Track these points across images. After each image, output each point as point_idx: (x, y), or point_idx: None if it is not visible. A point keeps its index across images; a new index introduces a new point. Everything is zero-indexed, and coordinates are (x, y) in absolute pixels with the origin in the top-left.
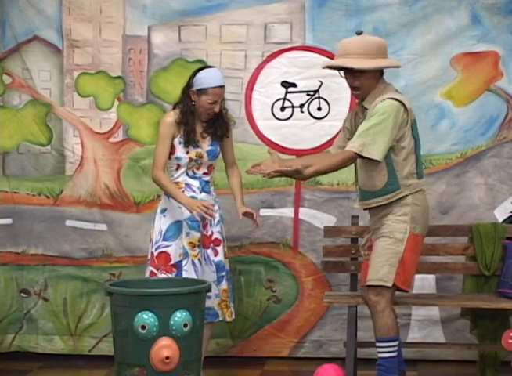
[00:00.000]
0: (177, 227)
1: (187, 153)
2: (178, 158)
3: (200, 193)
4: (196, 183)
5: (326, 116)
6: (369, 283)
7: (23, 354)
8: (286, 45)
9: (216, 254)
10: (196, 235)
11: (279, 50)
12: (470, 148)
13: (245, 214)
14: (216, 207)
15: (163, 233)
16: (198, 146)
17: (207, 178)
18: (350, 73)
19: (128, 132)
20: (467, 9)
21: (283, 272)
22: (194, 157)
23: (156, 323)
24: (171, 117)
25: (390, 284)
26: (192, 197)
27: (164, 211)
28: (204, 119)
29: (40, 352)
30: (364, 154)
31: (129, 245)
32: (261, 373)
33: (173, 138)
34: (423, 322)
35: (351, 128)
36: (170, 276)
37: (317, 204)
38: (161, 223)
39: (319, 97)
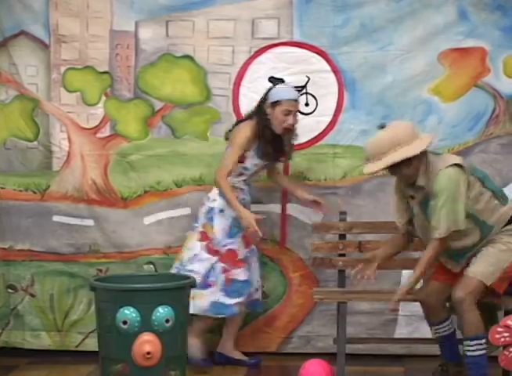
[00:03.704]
0: (238, 224)
1: (255, 165)
2: (245, 168)
3: (248, 196)
4: (247, 188)
5: (313, 111)
6: (470, 274)
7: (9, 350)
8: (273, 40)
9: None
10: None
11: (266, 45)
12: (457, 144)
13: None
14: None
15: (226, 231)
16: (263, 160)
17: (252, 183)
18: (396, 167)
19: (116, 128)
20: (455, 4)
21: (271, 268)
22: (258, 169)
23: (138, 319)
24: (249, 131)
25: (488, 283)
26: (243, 199)
27: (222, 211)
28: (279, 132)
29: (27, 348)
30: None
31: (116, 241)
32: (248, 368)
33: (247, 150)
34: (410, 317)
35: (403, 205)
36: (241, 270)
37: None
38: (223, 222)
39: (307, 93)
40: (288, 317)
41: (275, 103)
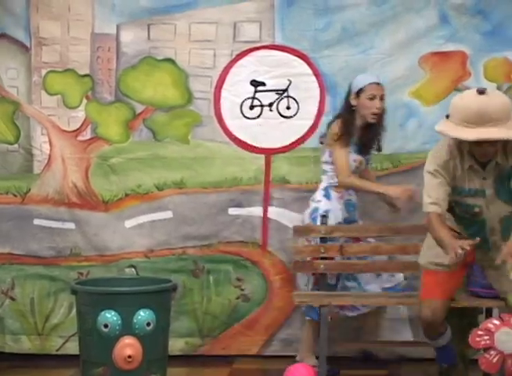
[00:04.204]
0: None
1: (355, 160)
2: None
3: (355, 195)
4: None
5: (295, 115)
6: None
7: None
8: (255, 43)
9: None
10: None
11: (248, 49)
12: None
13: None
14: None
15: None
16: (360, 154)
17: None
18: (492, 142)
19: (97, 131)
20: (436, 8)
21: (252, 271)
22: (359, 165)
23: (119, 322)
24: (337, 129)
25: None
26: (349, 200)
27: (328, 211)
28: (370, 119)
29: (7, 352)
30: None
31: (97, 244)
32: (229, 371)
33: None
34: (393, 321)
35: (452, 180)
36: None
37: (286, 202)
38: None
39: (288, 96)
40: (269, 320)
41: (359, 92)
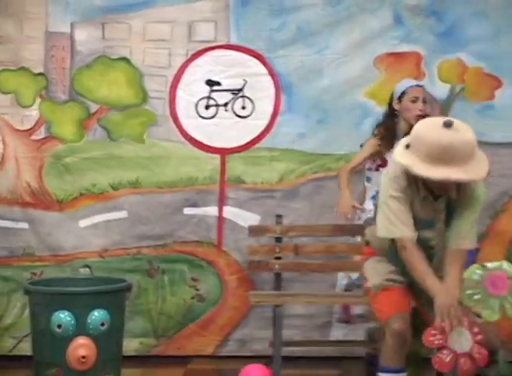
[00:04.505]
0: None
1: None
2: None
3: None
4: None
5: (250, 115)
6: None
7: None
8: (210, 43)
9: None
10: None
11: (203, 48)
12: None
13: None
14: None
15: None
16: None
17: None
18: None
19: (50, 130)
20: (390, 9)
21: (207, 271)
22: None
23: (73, 322)
24: (374, 138)
25: None
26: None
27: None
28: (414, 122)
29: None
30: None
31: (51, 244)
32: (184, 372)
33: (379, 153)
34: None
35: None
36: None
37: (241, 202)
38: None
39: (244, 96)
40: (224, 320)
41: (401, 96)
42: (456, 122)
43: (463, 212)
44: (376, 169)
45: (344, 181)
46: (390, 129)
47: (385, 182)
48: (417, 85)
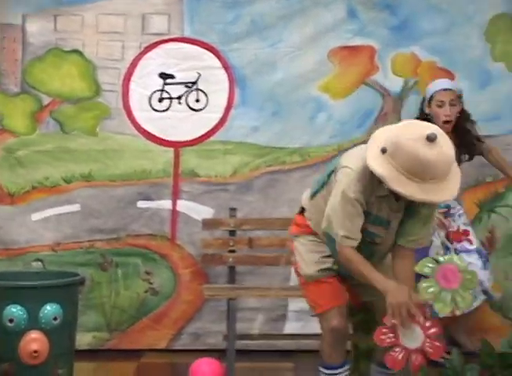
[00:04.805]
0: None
1: None
2: None
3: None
4: None
5: (204, 108)
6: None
7: None
8: (164, 36)
9: (471, 242)
10: (440, 234)
11: (156, 41)
12: (346, 140)
13: None
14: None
15: None
16: None
17: None
18: None
19: (2, 122)
20: (344, 2)
21: (161, 265)
22: None
23: (25, 317)
24: None
25: None
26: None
27: None
28: (444, 129)
29: None
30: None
31: (3, 237)
32: (137, 365)
33: None
34: (299, 313)
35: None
36: None
37: (195, 196)
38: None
39: (197, 89)
40: (178, 314)
41: (430, 100)
42: (439, 135)
43: (420, 211)
44: None
45: None
46: None
47: (347, 179)
48: (444, 89)
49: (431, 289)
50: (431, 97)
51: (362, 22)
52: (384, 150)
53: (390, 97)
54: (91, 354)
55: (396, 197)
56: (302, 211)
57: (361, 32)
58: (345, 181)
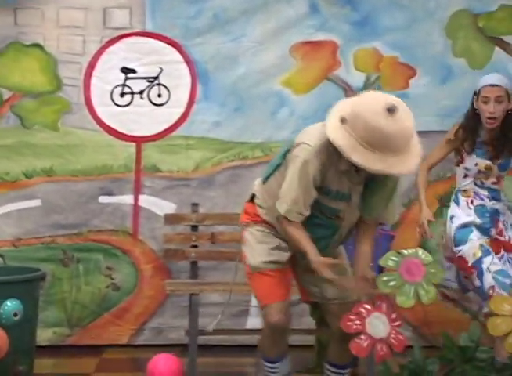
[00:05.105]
0: (462, 232)
1: (476, 164)
2: (466, 168)
3: (490, 201)
4: (484, 192)
5: (166, 103)
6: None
7: None
8: (125, 30)
9: None
10: (486, 239)
11: (118, 35)
12: None
13: None
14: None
15: (452, 238)
16: (487, 159)
17: (495, 186)
18: None
19: None
20: None
21: (123, 260)
22: (483, 170)
23: None
24: (452, 133)
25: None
26: (482, 205)
27: (452, 217)
28: (488, 125)
29: None
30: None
31: None
32: (99, 361)
33: (459, 151)
34: (256, 308)
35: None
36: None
37: (157, 191)
38: (451, 230)
39: (159, 84)
40: (140, 309)
41: (477, 95)
42: (399, 106)
43: (381, 185)
44: (457, 165)
45: (424, 181)
46: (470, 131)
47: (306, 153)
48: (491, 85)
49: (392, 282)
50: (478, 92)
51: (324, 17)
52: (343, 120)
53: (352, 92)
54: (52, 350)
55: (356, 169)
56: (253, 198)
57: (323, 27)
58: (304, 155)
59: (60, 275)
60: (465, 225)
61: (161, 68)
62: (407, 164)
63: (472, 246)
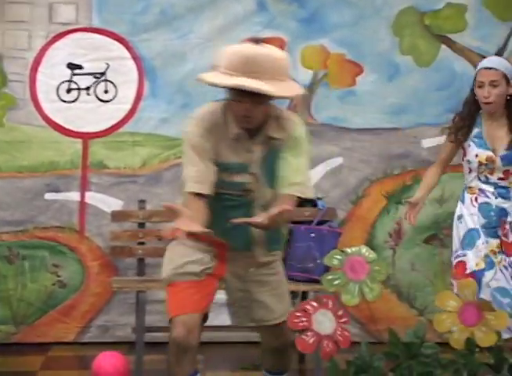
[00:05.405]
0: (472, 235)
1: (476, 156)
2: (468, 161)
3: (496, 198)
4: (490, 188)
5: (113, 99)
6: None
7: None
8: (71, 25)
9: None
10: (493, 242)
11: (64, 31)
12: None
13: None
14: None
15: (460, 240)
16: (489, 149)
17: (503, 183)
18: (256, 98)
19: None
20: None
21: (69, 257)
22: (484, 162)
23: None
24: (452, 122)
25: None
26: (487, 203)
27: (460, 217)
28: (485, 110)
29: None
30: (303, 196)
31: None
32: (44, 359)
33: (460, 142)
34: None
35: (210, 166)
36: None
37: (104, 187)
38: (459, 231)
39: (106, 80)
40: (86, 306)
41: (474, 80)
42: (267, 45)
43: (287, 155)
44: (462, 159)
45: (429, 176)
46: (466, 117)
47: (189, 127)
48: (486, 68)
49: (337, 281)
50: (475, 76)
51: (272, 14)
52: (214, 67)
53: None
54: None
55: (249, 133)
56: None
57: (270, 24)
58: (187, 129)
59: (5, 272)
60: (472, 229)
61: (108, 64)
62: (267, 87)
63: (477, 255)
